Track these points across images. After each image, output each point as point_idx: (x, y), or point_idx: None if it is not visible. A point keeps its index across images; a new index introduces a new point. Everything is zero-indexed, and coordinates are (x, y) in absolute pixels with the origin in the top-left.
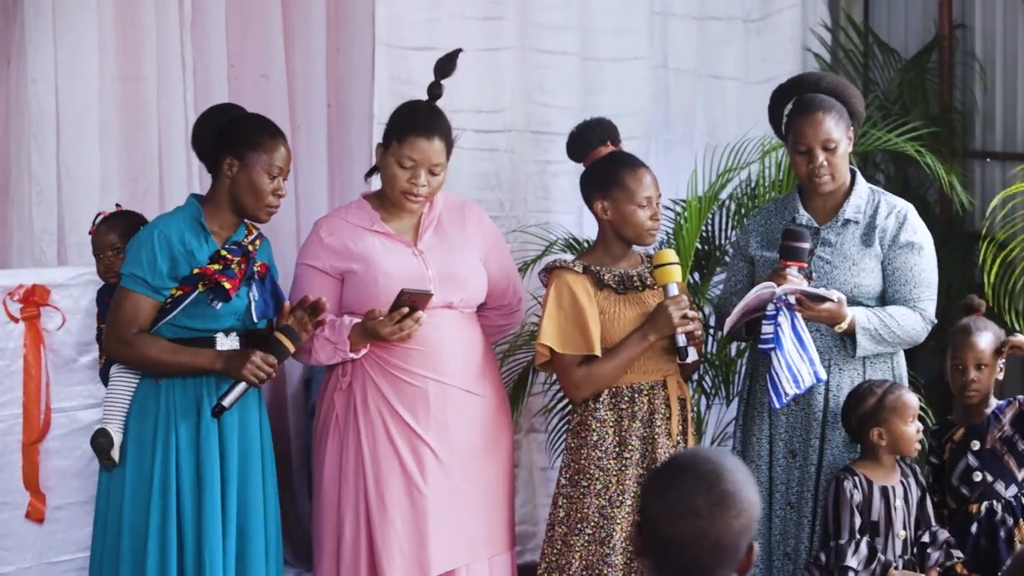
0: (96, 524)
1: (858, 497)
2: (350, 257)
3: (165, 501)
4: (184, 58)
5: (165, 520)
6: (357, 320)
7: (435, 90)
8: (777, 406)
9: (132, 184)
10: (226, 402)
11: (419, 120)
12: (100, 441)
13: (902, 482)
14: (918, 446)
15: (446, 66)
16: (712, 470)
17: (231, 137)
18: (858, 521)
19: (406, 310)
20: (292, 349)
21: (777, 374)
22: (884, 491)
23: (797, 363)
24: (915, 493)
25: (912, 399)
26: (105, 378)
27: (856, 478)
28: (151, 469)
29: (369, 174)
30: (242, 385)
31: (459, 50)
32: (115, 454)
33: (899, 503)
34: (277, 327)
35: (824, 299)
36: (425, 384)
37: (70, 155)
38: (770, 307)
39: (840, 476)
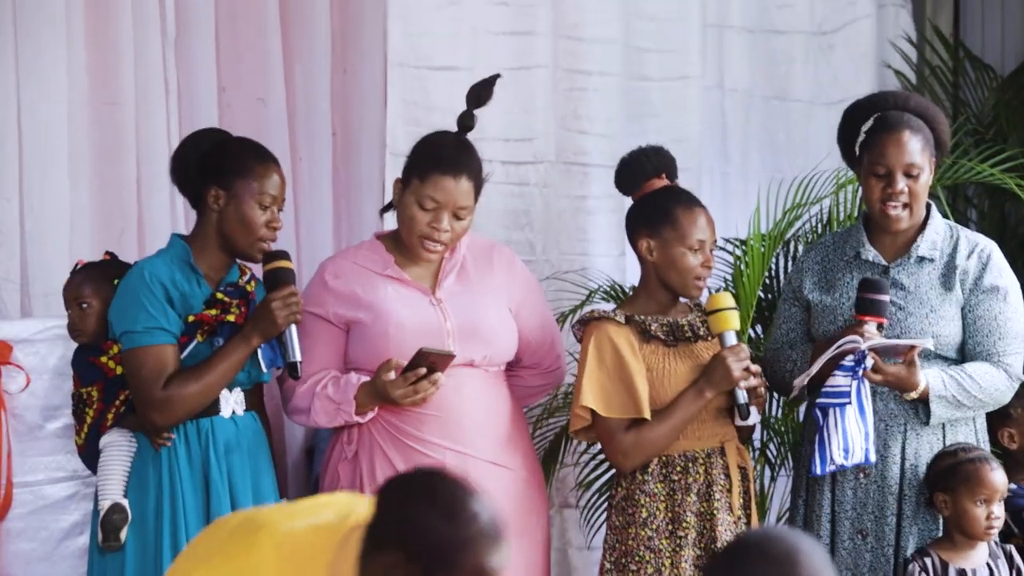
0: None
1: None
2: (358, 305)
3: None
4: (167, 79)
5: None
6: (366, 378)
7: (467, 121)
8: (818, 472)
9: (106, 224)
10: (297, 356)
11: (446, 156)
12: (115, 519)
13: (988, 564)
14: (992, 533)
15: (481, 94)
16: (786, 552)
17: (215, 165)
18: None
19: (423, 371)
20: (290, 265)
21: (829, 436)
22: (962, 574)
23: (853, 432)
24: None
25: (993, 479)
26: (88, 458)
27: (928, 559)
28: (157, 549)
29: (384, 210)
30: (289, 332)
31: (497, 76)
32: (123, 534)
33: None
34: (264, 263)
35: (903, 351)
36: (442, 455)
37: (34, 191)
38: (848, 358)
39: (910, 558)
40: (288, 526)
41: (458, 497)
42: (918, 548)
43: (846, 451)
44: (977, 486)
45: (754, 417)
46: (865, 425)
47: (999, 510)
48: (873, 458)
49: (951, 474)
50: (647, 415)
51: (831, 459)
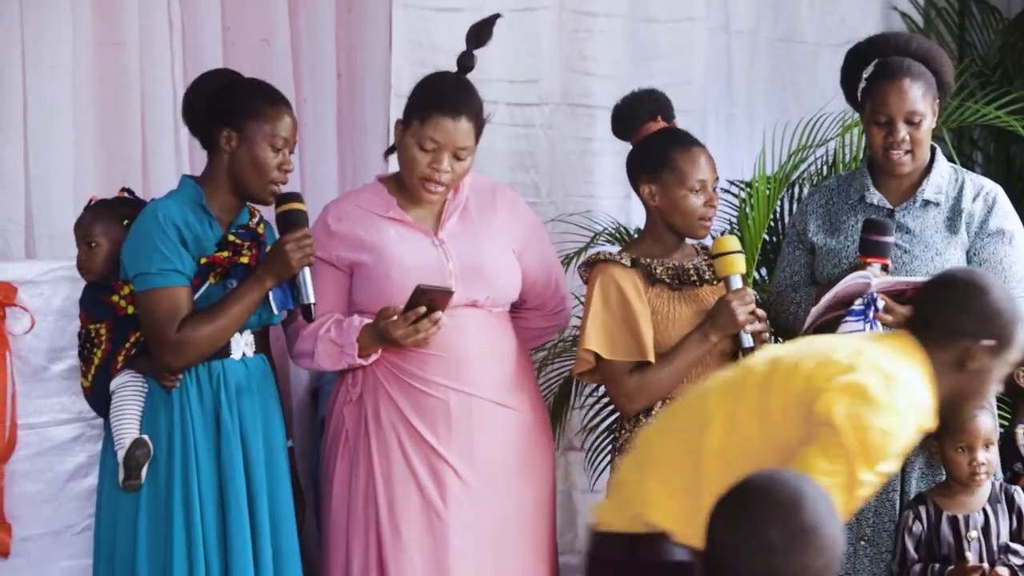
0: (99, 557)
1: (919, 528)
2: (360, 247)
3: (189, 522)
4: (172, 19)
5: (191, 545)
6: (368, 320)
7: (466, 61)
8: None
9: (110, 166)
10: (311, 298)
11: (446, 96)
12: (137, 454)
13: (985, 510)
14: (978, 479)
15: (481, 33)
16: (791, 498)
17: (227, 106)
18: (913, 557)
19: (423, 309)
20: (303, 207)
21: None
22: (953, 521)
23: None
24: (1004, 522)
25: (972, 426)
26: (95, 400)
27: (923, 507)
28: (168, 491)
29: (389, 152)
30: (302, 274)
31: (496, 15)
32: (144, 471)
33: (974, 534)
34: (277, 205)
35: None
36: (446, 395)
37: (38, 132)
38: (858, 302)
39: (908, 505)
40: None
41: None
42: (916, 495)
43: None
44: (957, 433)
45: None
46: None
47: (984, 455)
48: None
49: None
50: (652, 358)
51: None
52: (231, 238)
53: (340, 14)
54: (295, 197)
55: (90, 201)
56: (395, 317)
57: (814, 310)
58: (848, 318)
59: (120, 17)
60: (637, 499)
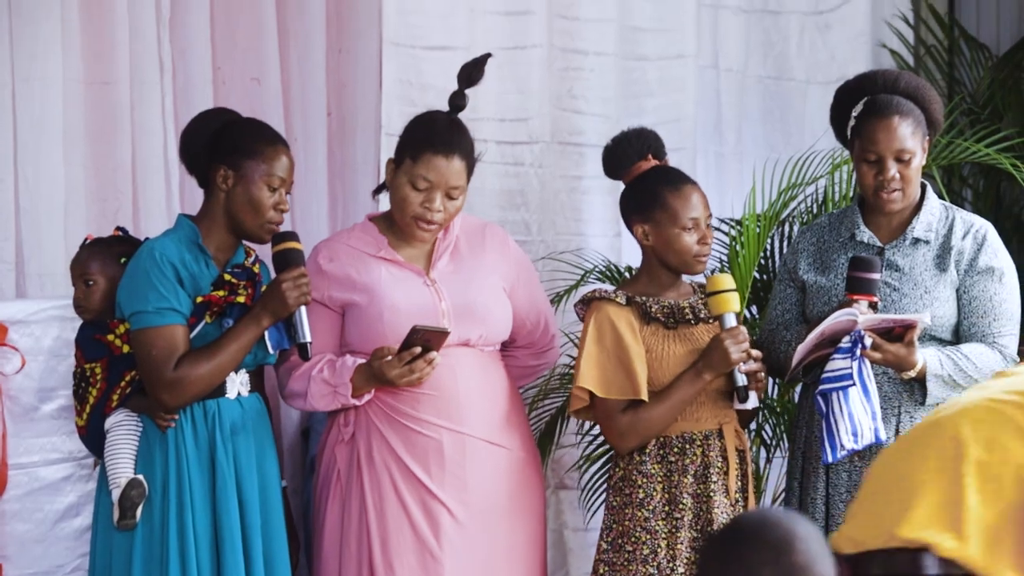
0: None
1: None
2: (352, 287)
3: (184, 562)
4: (162, 59)
5: None
6: (361, 360)
7: (458, 100)
8: (830, 460)
9: (101, 204)
10: (307, 337)
11: (437, 135)
12: (133, 494)
13: None
14: None
15: (472, 73)
16: (782, 538)
17: (225, 145)
18: None
19: (418, 350)
20: (299, 246)
21: (836, 421)
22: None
23: (859, 414)
24: None
25: None
26: (90, 440)
27: None
28: (163, 531)
29: (377, 191)
30: (299, 313)
31: (488, 55)
32: (139, 511)
33: None
34: (273, 244)
35: (908, 328)
36: (439, 434)
37: (29, 170)
38: (845, 340)
39: None
40: None
41: None
42: None
43: (855, 435)
44: None
45: (753, 401)
46: (871, 404)
47: None
48: (884, 436)
49: None
50: (645, 397)
51: (841, 445)
52: (227, 277)
53: (330, 53)
54: (291, 236)
55: (86, 240)
56: (390, 358)
57: (800, 347)
58: (835, 356)
59: (110, 56)
60: (889, 518)
